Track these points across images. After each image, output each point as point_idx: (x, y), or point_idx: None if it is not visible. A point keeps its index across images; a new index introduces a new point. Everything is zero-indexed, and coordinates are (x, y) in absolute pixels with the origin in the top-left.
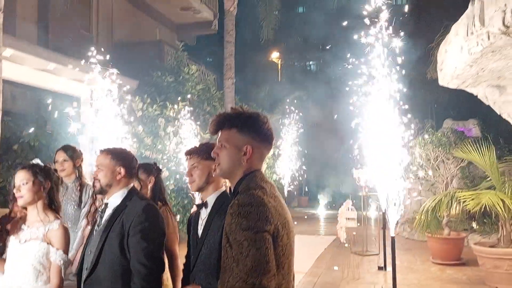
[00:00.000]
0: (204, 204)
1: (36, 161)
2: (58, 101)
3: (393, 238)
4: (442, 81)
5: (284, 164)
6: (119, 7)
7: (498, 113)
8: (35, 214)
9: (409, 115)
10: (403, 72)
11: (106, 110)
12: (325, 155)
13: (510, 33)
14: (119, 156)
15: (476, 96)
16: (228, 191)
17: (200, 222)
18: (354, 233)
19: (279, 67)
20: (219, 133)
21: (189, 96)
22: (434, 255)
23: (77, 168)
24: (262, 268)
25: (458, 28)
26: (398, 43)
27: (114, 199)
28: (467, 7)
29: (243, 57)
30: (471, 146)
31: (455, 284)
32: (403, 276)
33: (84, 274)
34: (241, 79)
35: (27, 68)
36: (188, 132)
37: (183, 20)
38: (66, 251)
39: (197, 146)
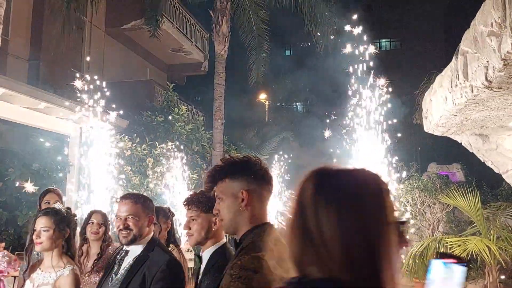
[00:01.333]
0: (200, 259)
1: (58, 206)
2: (46, 139)
3: None
4: (428, 129)
5: (270, 205)
6: (111, 47)
7: (482, 161)
8: (49, 259)
9: (395, 159)
10: (387, 121)
11: (96, 149)
12: None
13: (492, 87)
14: (149, 205)
15: (458, 142)
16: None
17: (200, 276)
18: None
19: (267, 108)
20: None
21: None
22: None
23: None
24: None
25: (442, 80)
26: (381, 83)
27: (136, 248)
28: (448, 55)
29: (232, 97)
30: (456, 191)
31: None
32: None
33: None
34: (230, 120)
35: (17, 106)
36: (176, 171)
37: (173, 61)
38: None
39: (197, 195)
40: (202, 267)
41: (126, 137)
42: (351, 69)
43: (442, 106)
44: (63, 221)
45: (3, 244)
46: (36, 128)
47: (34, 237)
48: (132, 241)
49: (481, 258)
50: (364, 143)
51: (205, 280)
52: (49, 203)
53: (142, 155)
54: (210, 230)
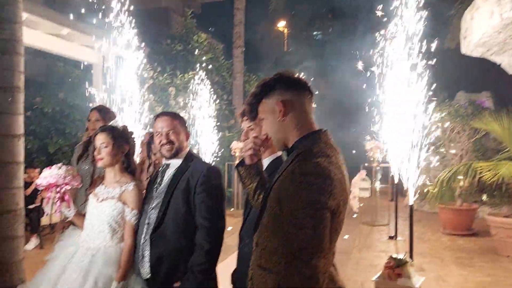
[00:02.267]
0: None
1: (115, 123)
2: (69, 67)
3: (411, 207)
4: (466, 49)
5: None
6: None
7: None
8: (112, 175)
9: (424, 87)
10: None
11: (120, 76)
12: (334, 127)
13: None
14: (184, 121)
15: (488, 69)
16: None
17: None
18: (362, 204)
19: (285, 37)
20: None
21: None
22: (445, 226)
23: None
24: (315, 248)
25: None
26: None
27: (176, 160)
28: None
29: (249, 26)
30: (489, 117)
31: (467, 253)
32: (414, 245)
33: (145, 228)
34: (248, 49)
35: (39, 32)
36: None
37: None
38: (139, 211)
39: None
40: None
41: (148, 65)
42: None
43: (486, 22)
44: (120, 137)
45: (38, 169)
46: (57, 56)
47: (95, 153)
48: (175, 154)
49: (506, 185)
50: (394, 69)
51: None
52: (89, 120)
53: (164, 85)
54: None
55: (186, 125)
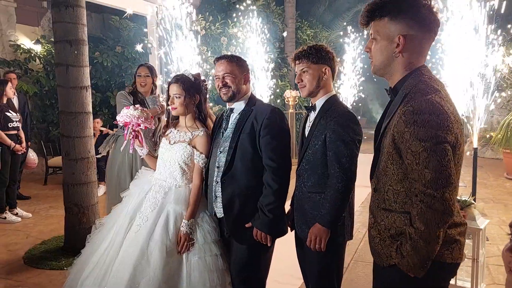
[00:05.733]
0: (312, 107)
1: (187, 72)
2: (124, 21)
3: (475, 150)
4: None
5: (345, 85)
6: None
7: None
8: (184, 122)
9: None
10: None
11: (173, 28)
12: None
13: None
14: (243, 64)
15: None
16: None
17: (308, 124)
18: None
19: None
20: (371, 25)
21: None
22: (509, 171)
23: (154, 84)
24: (445, 180)
25: None
26: None
27: (239, 105)
28: None
29: None
30: None
31: None
32: (476, 191)
33: (216, 171)
34: None
35: None
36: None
37: None
38: (207, 155)
39: (305, 48)
40: (314, 114)
41: (200, 15)
42: None
43: None
44: (192, 87)
45: (101, 122)
46: (115, 12)
47: (169, 102)
48: (232, 98)
49: None
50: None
51: (323, 122)
52: (140, 75)
53: (216, 35)
54: (321, 80)
55: (245, 67)
